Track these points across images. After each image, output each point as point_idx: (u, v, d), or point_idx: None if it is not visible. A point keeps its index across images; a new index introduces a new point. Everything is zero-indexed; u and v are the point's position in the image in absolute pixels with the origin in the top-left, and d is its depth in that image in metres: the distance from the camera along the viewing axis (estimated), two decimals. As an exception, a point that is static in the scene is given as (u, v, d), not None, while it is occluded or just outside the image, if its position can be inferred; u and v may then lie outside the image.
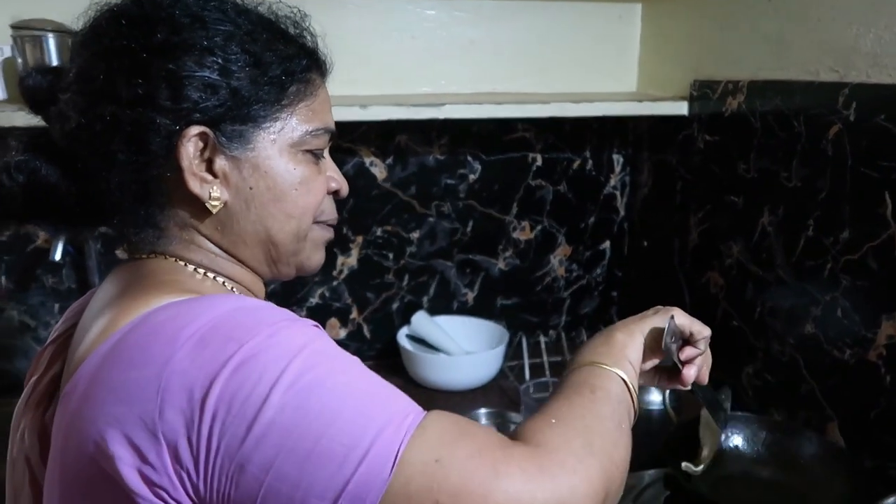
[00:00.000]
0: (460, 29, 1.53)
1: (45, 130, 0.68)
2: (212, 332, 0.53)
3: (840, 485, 0.96)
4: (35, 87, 0.69)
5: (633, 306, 1.71)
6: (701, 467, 0.88)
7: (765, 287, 1.27)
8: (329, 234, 0.74)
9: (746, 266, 1.31)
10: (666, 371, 0.82)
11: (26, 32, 1.19)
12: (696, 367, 0.81)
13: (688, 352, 0.80)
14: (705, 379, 0.83)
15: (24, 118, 1.17)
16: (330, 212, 0.73)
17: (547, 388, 1.34)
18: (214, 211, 0.65)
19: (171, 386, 0.51)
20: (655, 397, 1.23)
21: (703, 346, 0.81)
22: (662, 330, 0.74)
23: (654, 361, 0.80)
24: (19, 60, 1.21)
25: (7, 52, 1.22)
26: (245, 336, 0.53)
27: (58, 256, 1.27)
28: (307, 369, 0.52)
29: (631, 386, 0.70)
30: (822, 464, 1.00)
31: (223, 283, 0.68)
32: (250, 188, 0.65)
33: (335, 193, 0.74)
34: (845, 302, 1.10)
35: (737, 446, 1.05)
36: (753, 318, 1.30)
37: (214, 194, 0.64)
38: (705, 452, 0.87)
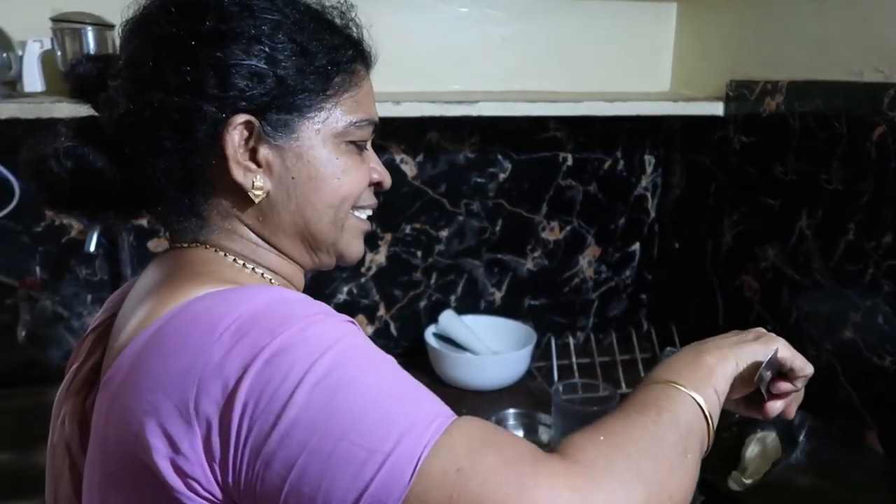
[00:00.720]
0: (493, 27, 1.53)
1: (93, 118, 0.69)
2: (248, 322, 0.53)
3: (881, 493, 0.94)
4: (85, 74, 0.69)
5: (663, 309, 1.70)
6: (749, 482, 0.85)
7: (801, 291, 1.25)
8: (366, 225, 0.74)
9: (782, 270, 1.29)
10: (744, 396, 0.73)
11: (66, 25, 1.21)
12: (784, 403, 0.72)
13: (782, 386, 0.71)
14: (791, 414, 0.75)
15: (62, 109, 1.20)
16: (368, 199, 0.72)
17: (576, 389, 1.33)
18: (257, 200, 0.64)
19: (206, 376, 0.51)
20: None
21: (801, 384, 0.72)
22: (760, 363, 0.66)
23: (744, 392, 0.71)
24: (58, 53, 1.22)
25: (47, 45, 1.23)
26: (279, 328, 0.52)
27: (92, 248, 1.28)
28: (336, 367, 0.51)
29: (709, 415, 0.62)
30: (862, 472, 0.98)
31: (262, 274, 0.68)
32: (293, 178, 0.65)
33: (377, 185, 0.73)
34: (886, 307, 1.07)
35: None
36: (789, 322, 1.28)
37: (258, 183, 0.64)
38: (751, 468, 0.84)
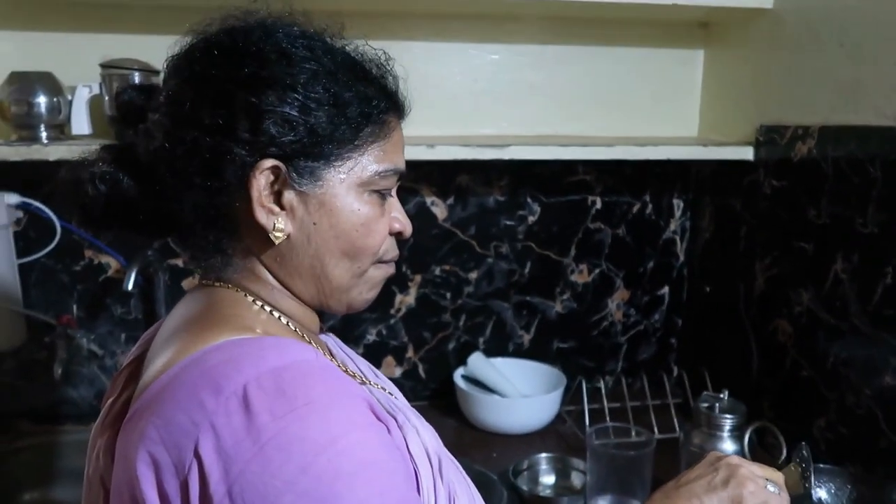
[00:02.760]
0: (522, 73, 1.56)
1: (130, 145, 0.72)
2: (254, 392, 0.54)
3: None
4: (129, 102, 0.72)
5: (694, 354, 1.68)
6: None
7: (838, 336, 1.23)
8: (389, 270, 0.75)
9: (817, 314, 1.28)
10: None
11: (114, 71, 1.25)
12: None
13: None
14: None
15: (108, 152, 1.22)
16: (390, 251, 0.73)
17: (608, 434, 1.31)
18: (277, 242, 0.66)
19: (206, 444, 0.53)
20: (729, 446, 1.19)
21: None
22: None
23: None
24: (106, 98, 1.27)
25: (95, 90, 1.27)
26: (281, 408, 0.53)
27: (130, 286, 1.30)
28: (324, 480, 0.52)
29: None
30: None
31: (279, 317, 0.69)
32: (314, 224, 0.67)
33: (398, 234, 0.74)
34: (928, 353, 1.06)
35: (821, 499, 1.01)
36: (826, 367, 1.26)
37: (279, 226, 0.65)
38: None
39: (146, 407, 0.57)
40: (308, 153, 0.64)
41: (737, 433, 1.20)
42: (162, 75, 0.71)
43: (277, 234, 0.65)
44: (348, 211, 0.67)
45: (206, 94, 0.63)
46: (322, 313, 0.76)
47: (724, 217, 1.56)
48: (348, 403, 0.57)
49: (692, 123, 1.65)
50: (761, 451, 1.30)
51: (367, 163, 0.67)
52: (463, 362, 1.58)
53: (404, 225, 0.73)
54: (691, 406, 1.33)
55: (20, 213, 1.40)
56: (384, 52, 0.72)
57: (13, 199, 1.35)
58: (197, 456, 0.52)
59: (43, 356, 1.46)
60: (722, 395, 1.22)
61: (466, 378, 1.57)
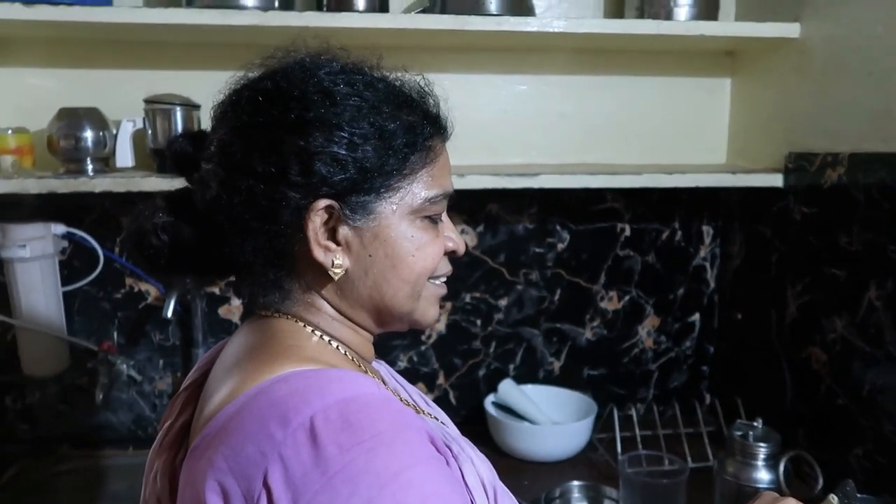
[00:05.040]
0: (550, 103, 1.58)
1: (186, 191, 0.75)
2: (321, 424, 0.55)
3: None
4: (181, 152, 0.75)
5: (726, 382, 1.67)
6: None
7: (873, 364, 1.22)
8: (442, 290, 0.76)
9: (852, 341, 1.27)
10: None
11: (157, 106, 1.31)
12: None
13: None
14: None
15: (150, 183, 1.28)
16: (442, 268, 0.74)
17: (640, 462, 1.30)
18: (336, 278, 0.68)
19: (275, 475, 0.54)
20: (763, 475, 1.18)
21: None
22: None
23: None
24: (149, 132, 1.32)
25: (138, 124, 1.32)
26: (348, 441, 0.54)
27: (170, 314, 1.34)
28: None
29: None
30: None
31: (337, 346, 0.71)
32: (370, 255, 0.68)
33: (451, 253, 0.75)
34: (967, 381, 1.04)
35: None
36: (861, 395, 1.24)
37: (337, 262, 0.67)
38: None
39: (214, 436, 0.59)
40: (359, 188, 0.66)
41: (771, 462, 1.18)
42: (203, 119, 0.74)
43: (336, 269, 0.67)
44: (402, 239, 0.68)
45: (255, 142, 0.65)
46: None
47: (754, 244, 1.56)
48: (412, 436, 0.58)
49: (720, 151, 1.66)
50: (797, 481, 1.28)
51: (418, 190, 0.68)
52: (493, 389, 1.59)
53: (458, 244, 0.75)
54: (724, 434, 1.32)
55: (65, 243, 1.45)
56: (423, 77, 0.74)
57: (59, 229, 1.41)
58: (266, 486, 0.54)
59: (85, 382, 1.50)
60: (756, 424, 1.21)
61: (497, 405, 1.57)
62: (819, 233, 1.34)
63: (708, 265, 1.69)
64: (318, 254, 0.66)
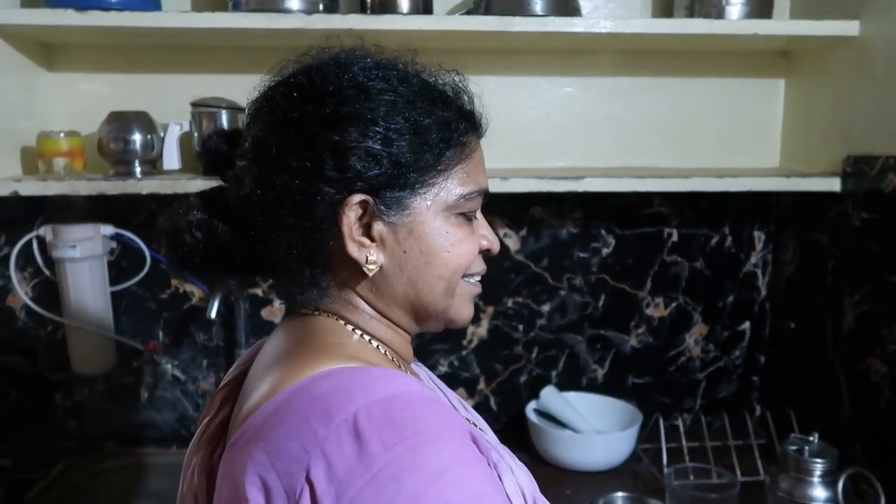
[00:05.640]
0: (596, 105, 1.55)
1: (220, 190, 0.74)
2: (364, 421, 0.54)
3: None
4: (215, 150, 0.75)
5: (778, 393, 1.61)
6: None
7: (939, 377, 1.16)
8: (477, 289, 0.75)
9: (915, 353, 1.21)
10: None
11: (204, 109, 1.32)
12: None
13: None
14: None
15: (197, 185, 1.29)
16: (476, 265, 0.73)
17: (687, 474, 1.27)
18: (370, 274, 0.67)
19: (318, 470, 0.53)
20: (820, 493, 1.13)
21: None
22: None
23: None
24: (195, 134, 1.33)
25: (185, 128, 1.34)
26: (392, 437, 0.53)
27: (213, 314, 1.35)
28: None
29: None
30: None
31: (377, 346, 0.70)
32: (404, 252, 0.67)
33: (486, 251, 0.74)
34: None
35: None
36: (925, 411, 1.18)
37: (371, 258, 0.66)
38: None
39: (254, 432, 0.58)
40: (393, 184, 0.65)
41: (828, 479, 1.13)
42: (244, 119, 0.73)
43: (371, 266, 0.66)
44: (437, 235, 0.68)
45: (290, 138, 0.65)
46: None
47: (808, 250, 1.50)
48: (455, 435, 0.56)
49: (772, 154, 1.61)
50: (856, 500, 1.23)
51: (452, 186, 0.68)
52: (535, 396, 1.56)
53: (492, 242, 0.74)
54: (776, 448, 1.27)
55: (114, 244, 1.48)
56: (457, 73, 0.72)
57: (108, 230, 1.43)
58: (309, 482, 0.53)
59: (130, 381, 1.52)
60: (811, 438, 1.16)
61: (539, 412, 1.54)
62: (880, 239, 1.28)
63: (759, 272, 1.64)
64: (353, 250, 0.66)
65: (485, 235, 0.73)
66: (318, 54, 0.70)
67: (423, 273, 0.68)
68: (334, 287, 0.69)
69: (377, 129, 0.64)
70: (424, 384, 0.67)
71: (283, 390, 0.59)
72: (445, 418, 0.57)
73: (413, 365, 0.79)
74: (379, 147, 0.64)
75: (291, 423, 0.56)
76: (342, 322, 0.70)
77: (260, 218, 0.67)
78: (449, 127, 0.67)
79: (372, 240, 0.66)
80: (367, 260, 0.66)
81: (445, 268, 0.68)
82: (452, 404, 0.80)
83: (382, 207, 0.65)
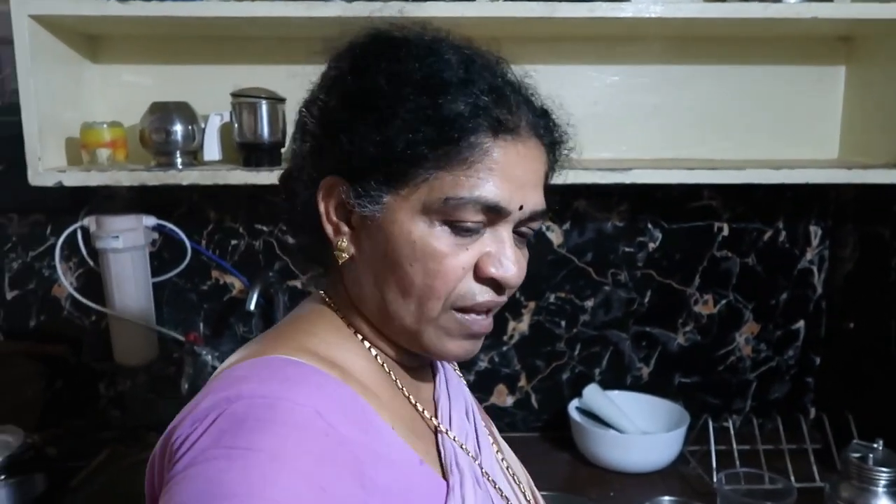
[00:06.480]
0: (643, 94, 1.50)
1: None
2: (223, 413, 0.52)
3: None
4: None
5: (835, 396, 1.54)
6: None
7: None
8: (477, 326, 0.62)
9: None
10: None
11: (244, 100, 1.31)
12: None
13: None
14: None
15: (237, 176, 1.28)
16: (468, 296, 0.61)
17: (738, 479, 1.21)
18: (340, 262, 0.63)
19: (173, 436, 0.53)
20: None
21: None
22: None
23: None
24: (235, 125, 1.32)
25: (226, 118, 1.33)
26: (224, 440, 0.50)
27: (252, 306, 1.34)
28: None
29: None
30: None
31: (362, 339, 0.66)
32: (372, 249, 0.62)
33: (489, 280, 0.61)
34: None
35: None
36: None
37: (342, 244, 0.63)
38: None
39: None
40: (367, 172, 0.59)
41: (894, 489, 1.07)
42: (288, 113, 0.76)
43: (340, 252, 0.63)
44: (403, 242, 0.59)
45: (297, 125, 0.67)
46: None
47: (870, 246, 1.42)
48: (288, 475, 0.48)
49: (831, 145, 1.53)
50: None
51: (439, 186, 0.58)
52: (577, 393, 1.52)
53: (502, 271, 0.60)
54: (833, 454, 1.20)
55: (155, 235, 1.48)
56: (496, 58, 0.64)
57: (150, 221, 1.44)
58: (169, 444, 0.54)
59: (171, 371, 1.53)
60: (875, 445, 1.09)
61: (581, 410, 1.50)
62: (949, 235, 1.21)
63: (815, 269, 1.56)
64: (328, 230, 0.63)
65: (491, 258, 0.60)
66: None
67: (388, 280, 0.61)
68: (331, 271, 0.68)
69: (362, 112, 0.59)
70: (369, 397, 0.60)
71: (232, 366, 0.59)
72: (304, 450, 0.50)
73: (440, 367, 0.75)
74: (363, 131, 0.59)
75: (194, 400, 0.56)
76: (335, 309, 0.66)
77: (292, 193, 0.68)
78: (451, 123, 0.57)
79: (351, 227, 0.63)
80: (337, 245, 0.63)
81: (410, 283, 0.59)
82: (450, 415, 0.70)
83: (353, 195, 0.60)
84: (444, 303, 0.60)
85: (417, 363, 0.70)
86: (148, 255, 1.47)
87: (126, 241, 1.39)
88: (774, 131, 1.51)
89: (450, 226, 0.59)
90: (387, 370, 0.66)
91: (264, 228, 1.50)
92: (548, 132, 0.66)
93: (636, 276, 1.55)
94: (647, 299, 1.56)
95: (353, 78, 0.61)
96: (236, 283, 1.52)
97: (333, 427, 0.53)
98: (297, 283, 1.52)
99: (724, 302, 1.57)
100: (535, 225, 0.64)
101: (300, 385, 0.55)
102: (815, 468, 1.33)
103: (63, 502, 1.29)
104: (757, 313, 1.58)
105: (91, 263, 1.48)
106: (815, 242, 1.55)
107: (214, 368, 1.52)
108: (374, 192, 0.59)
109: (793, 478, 1.28)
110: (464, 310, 0.61)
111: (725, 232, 1.54)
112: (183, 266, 1.48)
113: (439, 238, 0.59)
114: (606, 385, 1.55)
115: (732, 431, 1.37)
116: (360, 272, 0.63)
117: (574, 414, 1.47)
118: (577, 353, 1.57)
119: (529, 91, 0.66)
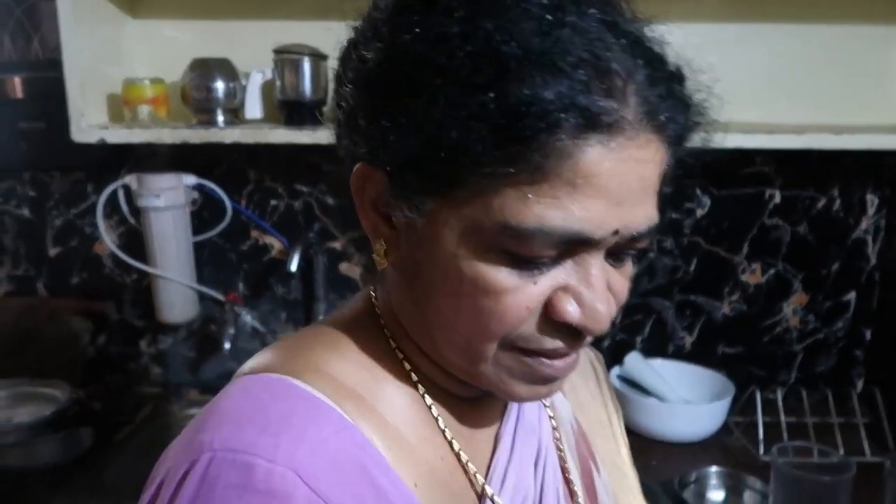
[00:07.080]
0: (696, 54, 1.43)
1: None
2: (195, 473, 0.42)
3: None
4: None
5: (885, 369, 1.49)
6: None
7: None
8: (542, 370, 0.47)
9: None
10: None
11: (286, 56, 1.28)
12: None
13: None
14: None
15: (279, 135, 1.26)
16: (536, 342, 0.46)
17: (787, 452, 1.18)
18: (379, 268, 0.50)
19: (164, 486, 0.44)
20: None
21: None
22: None
23: None
24: (277, 83, 1.30)
25: (268, 75, 1.31)
26: (184, 483, 0.42)
27: (293, 267, 1.34)
28: None
29: None
30: None
31: (402, 359, 0.52)
32: (410, 263, 0.48)
33: (562, 322, 0.45)
34: None
35: None
36: None
37: (378, 248, 0.49)
38: None
39: None
40: (406, 167, 0.45)
41: (955, 465, 1.04)
42: (329, 71, 0.67)
43: (376, 257, 0.50)
44: (447, 266, 0.45)
45: (336, 73, 0.52)
46: None
47: (931, 216, 1.36)
48: None
49: (892, 110, 1.46)
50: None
51: (497, 206, 0.42)
52: (618, 361, 1.50)
53: (580, 315, 0.45)
54: (884, 428, 1.17)
55: (196, 194, 1.47)
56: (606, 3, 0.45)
57: (190, 180, 1.43)
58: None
59: (212, 330, 1.54)
60: (935, 420, 1.06)
61: (622, 378, 1.48)
62: None
63: (870, 238, 1.51)
64: (364, 223, 0.50)
65: (568, 292, 0.45)
66: None
67: (430, 307, 0.48)
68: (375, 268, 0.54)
69: (409, 88, 0.43)
70: (379, 439, 0.48)
71: (241, 375, 0.50)
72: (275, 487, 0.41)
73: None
74: (403, 111, 0.44)
75: (192, 422, 0.47)
76: (380, 319, 0.54)
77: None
78: (522, 117, 0.40)
79: (392, 227, 0.48)
80: (375, 248, 0.50)
81: (455, 319, 0.46)
82: (506, 470, 0.55)
83: (392, 191, 0.46)
84: (502, 341, 0.46)
85: (476, 392, 0.54)
86: (188, 214, 1.46)
87: (167, 199, 1.39)
88: (832, 95, 1.44)
89: (510, 255, 0.43)
90: (427, 403, 0.52)
91: (304, 189, 1.49)
92: (672, 120, 0.46)
93: (682, 243, 1.51)
94: (692, 267, 1.52)
95: (391, 33, 0.45)
96: (275, 244, 1.51)
97: (317, 494, 0.42)
98: (337, 245, 1.50)
99: (772, 271, 1.52)
100: (641, 244, 0.47)
101: (285, 432, 0.43)
102: (865, 443, 1.29)
103: (109, 456, 1.31)
104: (806, 284, 1.53)
105: (132, 221, 1.48)
106: (870, 212, 1.49)
107: (254, 329, 1.53)
108: (414, 195, 0.45)
109: (842, 451, 1.25)
110: (527, 352, 0.47)
111: (777, 199, 1.49)
112: (223, 225, 1.48)
113: (497, 269, 0.44)
114: (648, 354, 1.52)
115: (780, 403, 1.34)
116: (400, 284, 0.51)
117: (615, 381, 1.45)
118: (618, 320, 1.55)
119: (653, 53, 0.47)
